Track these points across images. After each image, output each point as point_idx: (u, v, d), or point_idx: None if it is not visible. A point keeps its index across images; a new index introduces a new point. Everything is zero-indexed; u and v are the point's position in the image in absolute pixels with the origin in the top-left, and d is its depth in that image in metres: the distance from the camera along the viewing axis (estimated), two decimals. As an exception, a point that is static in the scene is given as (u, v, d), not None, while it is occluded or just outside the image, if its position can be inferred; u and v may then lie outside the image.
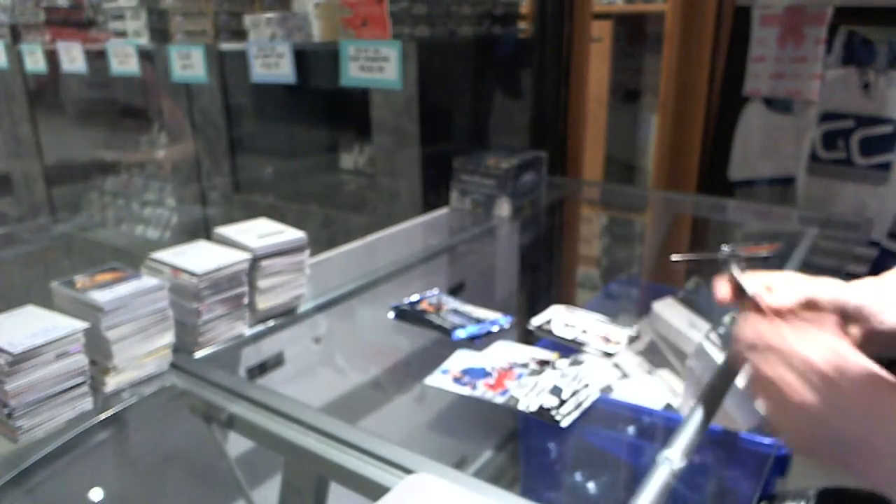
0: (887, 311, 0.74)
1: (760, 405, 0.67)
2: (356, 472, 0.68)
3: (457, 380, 0.95)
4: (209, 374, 0.85)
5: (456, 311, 1.16)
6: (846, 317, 0.74)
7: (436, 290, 1.25)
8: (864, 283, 0.77)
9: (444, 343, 1.07)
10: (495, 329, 1.09)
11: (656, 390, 1.11)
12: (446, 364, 0.99)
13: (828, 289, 0.75)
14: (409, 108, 1.63)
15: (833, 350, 0.62)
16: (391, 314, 1.18)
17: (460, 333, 1.07)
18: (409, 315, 1.16)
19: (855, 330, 0.74)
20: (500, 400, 0.90)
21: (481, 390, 0.92)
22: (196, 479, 1.05)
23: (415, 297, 1.22)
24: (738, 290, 0.75)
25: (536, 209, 1.67)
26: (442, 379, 0.96)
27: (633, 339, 1.17)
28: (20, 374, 0.72)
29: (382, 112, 1.68)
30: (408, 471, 0.66)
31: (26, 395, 0.73)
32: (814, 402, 0.61)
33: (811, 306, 0.73)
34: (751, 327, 0.68)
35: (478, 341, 1.06)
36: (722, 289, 0.76)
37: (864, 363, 0.61)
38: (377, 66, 1.64)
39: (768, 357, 0.65)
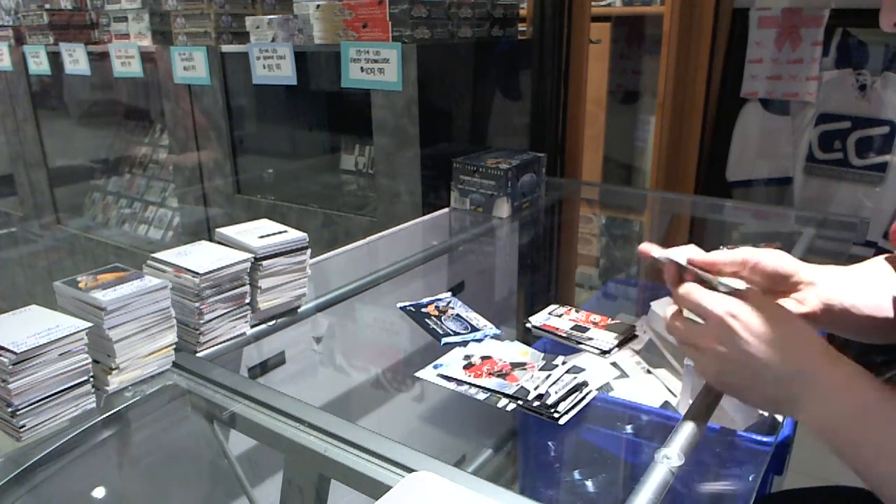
0: (845, 292, 0.75)
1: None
2: (357, 470, 0.69)
3: (446, 377, 0.96)
4: (211, 373, 0.86)
5: (458, 317, 1.17)
6: (793, 286, 0.76)
7: (447, 295, 1.26)
8: (823, 267, 0.80)
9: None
10: (483, 339, 1.10)
11: (654, 389, 1.11)
12: (441, 360, 1.00)
13: (774, 256, 0.76)
14: (410, 109, 1.63)
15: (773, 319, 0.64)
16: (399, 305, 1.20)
17: (447, 340, 1.09)
18: (413, 316, 1.17)
19: (810, 301, 0.76)
20: (482, 396, 0.91)
21: (466, 387, 0.93)
22: (198, 478, 1.06)
23: (425, 300, 1.23)
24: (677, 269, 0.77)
25: (535, 210, 1.68)
26: (432, 373, 0.97)
27: (631, 339, 1.17)
28: (24, 372, 0.73)
29: (383, 113, 1.69)
30: (408, 469, 0.66)
31: (30, 394, 0.74)
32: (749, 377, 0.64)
33: (752, 269, 0.76)
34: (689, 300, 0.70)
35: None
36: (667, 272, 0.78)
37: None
38: (378, 67, 1.65)
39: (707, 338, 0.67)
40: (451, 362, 1.00)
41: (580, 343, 1.14)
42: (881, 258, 0.83)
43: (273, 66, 1.88)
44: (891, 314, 0.74)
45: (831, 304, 0.75)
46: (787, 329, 0.64)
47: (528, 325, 1.20)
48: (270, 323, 1.02)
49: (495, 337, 1.10)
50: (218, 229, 1.02)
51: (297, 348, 1.14)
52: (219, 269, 0.91)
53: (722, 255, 0.76)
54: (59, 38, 2.56)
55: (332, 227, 1.96)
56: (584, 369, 0.97)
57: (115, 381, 0.83)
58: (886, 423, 0.58)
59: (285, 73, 1.86)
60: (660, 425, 0.99)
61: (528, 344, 1.08)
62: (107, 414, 0.81)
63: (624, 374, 1.13)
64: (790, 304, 0.76)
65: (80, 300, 0.82)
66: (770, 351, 0.63)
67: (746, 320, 0.64)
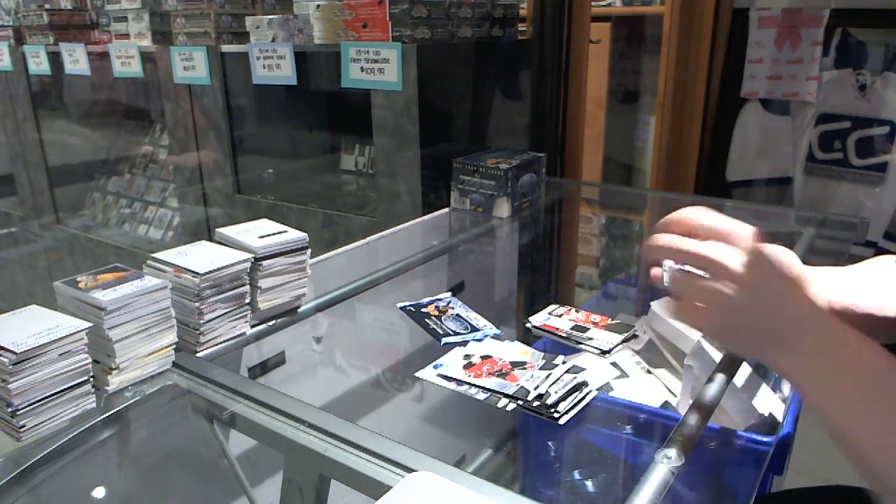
0: (844, 291, 0.75)
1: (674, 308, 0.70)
2: (357, 470, 0.69)
3: (446, 377, 0.96)
4: (211, 373, 0.86)
5: (458, 317, 1.17)
6: None
7: (447, 295, 1.26)
8: (822, 268, 0.79)
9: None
10: (483, 339, 1.10)
11: (654, 389, 1.11)
12: (441, 360, 1.00)
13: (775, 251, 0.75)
14: (410, 109, 1.63)
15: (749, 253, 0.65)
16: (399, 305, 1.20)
17: (447, 340, 1.09)
18: (413, 315, 1.17)
19: None
20: (482, 396, 0.91)
21: (465, 387, 0.93)
22: (198, 478, 1.06)
23: (425, 300, 1.23)
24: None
25: (535, 210, 1.68)
26: (432, 373, 0.97)
27: (631, 339, 1.17)
28: (24, 372, 0.73)
29: (383, 113, 1.69)
30: (408, 469, 0.66)
31: (30, 394, 0.74)
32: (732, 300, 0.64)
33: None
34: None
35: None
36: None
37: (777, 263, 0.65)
38: (378, 67, 1.65)
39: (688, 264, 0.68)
40: (451, 362, 1.00)
41: (580, 343, 1.14)
42: (889, 258, 0.82)
43: (273, 66, 1.88)
44: (892, 314, 0.73)
45: (830, 303, 0.75)
46: (797, 279, 0.65)
47: (528, 325, 1.20)
48: (270, 323, 1.02)
49: (495, 337, 1.10)
50: (218, 229, 1.02)
51: (297, 348, 1.14)
52: (219, 269, 0.91)
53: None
54: (59, 38, 2.56)
55: (332, 227, 1.96)
56: (584, 369, 0.97)
57: (115, 381, 0.83)
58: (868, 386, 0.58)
59: (285, 73, 1.86)
60: (660, 425, 0.99)
61: (528, 344, 1.08)
62: (107, 414, 0.81)
63: (624, 374, 1.13)
64: None
65: (80, 300, 0.82)
66: (781, 291, 0.64)
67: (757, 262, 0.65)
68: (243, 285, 0.96)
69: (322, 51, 1.84)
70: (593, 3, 2.20)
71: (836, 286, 0.76)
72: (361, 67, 1.67)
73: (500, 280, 1.64)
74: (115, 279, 0.85)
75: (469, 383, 0.94)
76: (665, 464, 0.64)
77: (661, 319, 1.18)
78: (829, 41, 1.92)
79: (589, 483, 1.13)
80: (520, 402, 0.89)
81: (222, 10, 2.09)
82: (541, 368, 0.96)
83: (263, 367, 1.08)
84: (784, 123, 2.05)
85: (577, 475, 1.14)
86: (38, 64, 2.66)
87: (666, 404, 1.08)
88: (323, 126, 2.36)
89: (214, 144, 2.20)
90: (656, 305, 1.20)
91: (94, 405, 0.81)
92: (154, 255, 0.94)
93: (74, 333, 0.77)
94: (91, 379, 0.80)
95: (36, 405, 0.75)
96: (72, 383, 0.78)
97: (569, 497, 1.15)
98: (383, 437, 0.71)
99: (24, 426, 0.74)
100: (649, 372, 1.16)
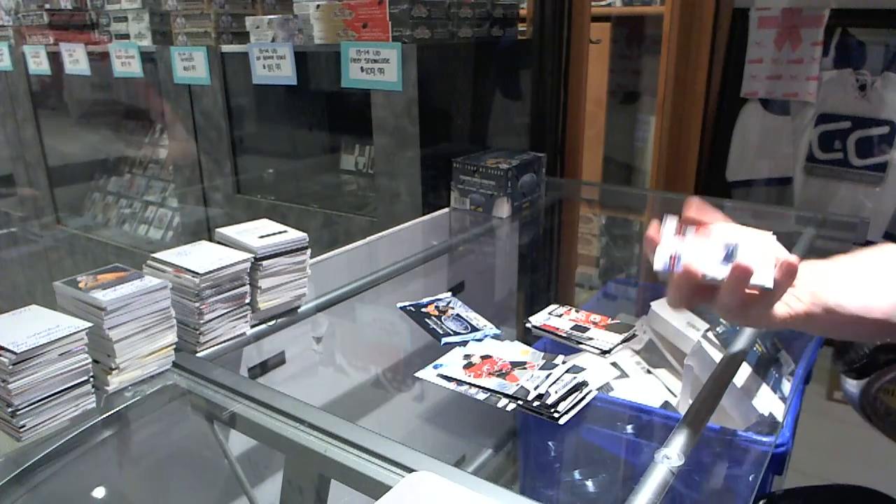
0: (830, 290, 0.69)
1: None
2: (357, 470, 0.69)
3: (446, 377, 0.96)
4: (211, 373, 0.86)
5: (458, 317, 1.17)
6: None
7: (447, 295, 1.26)
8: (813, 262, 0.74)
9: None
10: (483, 339, 1.10)
11: (655, 389, 1.11)
12: (441, 360, 1.00)
13: (759, 240, 0.71)
14: (410, 109, 1.63)
15: None
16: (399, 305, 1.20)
17: (447, 340, 1.09)
18: (413, 315, 1.17)
19: (803, 299, 0.69)
20: (482, 396, 0.91)
21: (465, 387, 0.93)
22: (198, 478, 1.06)
23: (425, 300, 1.23)
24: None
25: (535, 210, 1.68)
26: (432, 373, 0.97)
27: (631, 339, 1.17)
28: (23, 372, 0.73)
29: (383, 113, 1.69)
30: (408, 469, 0.66)
31: (30, 394, 0.74)
32: None
33: None
34: None
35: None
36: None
37: None
38: (378, 67, 1.65)
39: None
40: (451, 362, 1.00)
41: (580, 343, 1.14)
42: (889, 246, 0.75)
43: (273, 66, 1.88)
44: (878, 315, 0.67)
45: (818, 303, 0.69)
46: None
47: (528, 325, 1.20)
48: (270, 323, 1.02)
49: (495, 337, 1.10)
50: (218, 229, 1.02)
51: (297, 348, 1.14)
52: (219, 269, 0.91)
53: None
54: (59, 38, 2.56)
55: (332, 227, 1.96)
56: (584, 369, 0.97)
57: (115, 381, 0.83)
58: None
59: (285, 73, 1.86)
60: (660, 425, 0.99)
61: (528, 344, 1.08)
62: (107, 414, 0.81)
63: (624, 374, 1.13)
64: (779, 306, 0.68)
65: (80, 300, 0.82)
66: None
67: None
68: (243, 285, 0.96)
69: (322, 51, 1.84)
70: (593, 3, 2.20)
71: (826, 284, 0.70)
72: (361, 67, 1.67)
73: (500, 280, 1.64)
74: (115, 279, 0.85)
75: (469, 383, 0.94)
76: (665, 464, 0.64)
77: (661, 319, 1.18)
78: (829, 41, 1.92)
79: (589, 483, 1.13)
80: (520, 402, 0.89)
81: (222, 10, 2.09)
82: (541, 368, 0.96)
83: (263, 367, 1.08)
84: (784, 123, 2.05)
85: (577, 475, 1.14)
86: (38, 64, 2.66)
87: (666, 404, 1.08)
88: (323, 126, 2.36)
89: (214, 144, 2.20)
90: (656, 305, 1.20)
91: (94, 405, 0.81)
92: (154, 255, 0.94)
93: (74, 333, 0.77)
94: (91, 379, 0.80)
95: (36, 405, 0.75)
96: (72, 383, 0.78)
97: (569, 497, 1.15)
98: (383, 437, 0.71)
99: (24, 426, 0.74)
100: (649, 372, 1.16)
